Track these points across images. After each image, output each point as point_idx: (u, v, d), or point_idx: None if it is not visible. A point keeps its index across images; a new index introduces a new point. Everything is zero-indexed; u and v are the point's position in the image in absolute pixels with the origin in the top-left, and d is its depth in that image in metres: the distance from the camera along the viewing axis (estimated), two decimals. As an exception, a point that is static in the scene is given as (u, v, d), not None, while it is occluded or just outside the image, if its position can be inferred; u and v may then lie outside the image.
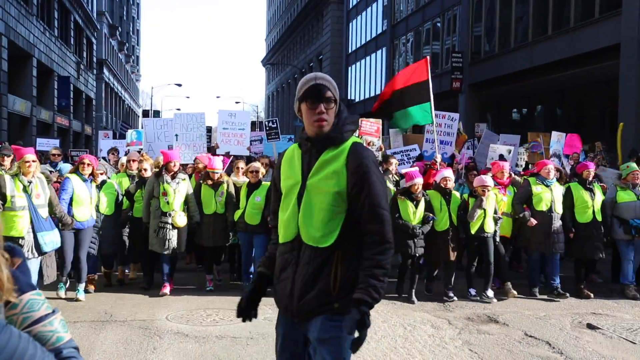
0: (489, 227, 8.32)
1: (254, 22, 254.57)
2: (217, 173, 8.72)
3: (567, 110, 23.25)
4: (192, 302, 7.89)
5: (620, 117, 16.94)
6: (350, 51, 45.40)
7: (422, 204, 8.17)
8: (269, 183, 8.17)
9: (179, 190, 8.32)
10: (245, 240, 8.61)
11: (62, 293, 7.96)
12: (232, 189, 8.88)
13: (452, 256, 8.25)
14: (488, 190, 8.25)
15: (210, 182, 8.73)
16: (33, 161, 6.82)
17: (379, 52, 39.61)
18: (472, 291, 8.36)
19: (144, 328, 6.59)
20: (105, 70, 51.41)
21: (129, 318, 6.99)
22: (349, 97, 44.40)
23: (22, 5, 27.30)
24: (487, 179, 8.33)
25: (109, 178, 9.20)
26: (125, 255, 9.29)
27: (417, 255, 8.16)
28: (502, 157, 11.17)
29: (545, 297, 8.47)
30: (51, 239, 6.84)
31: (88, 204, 7.91)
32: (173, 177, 8.32)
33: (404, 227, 8.04)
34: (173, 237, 8.26)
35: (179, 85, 60.51)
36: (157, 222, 8.26)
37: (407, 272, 8.35)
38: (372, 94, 40.36)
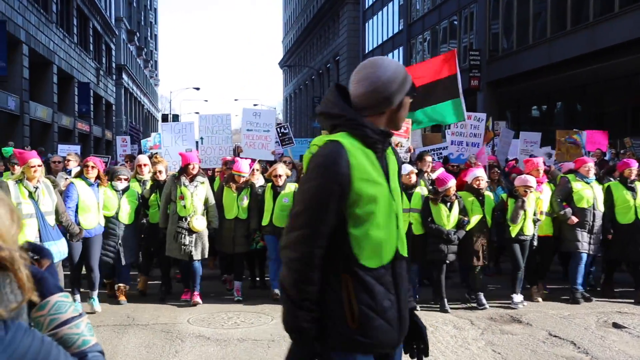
0: (529, 230, 7.91)
1: (271, 24, 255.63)
2: (242, 176, 8.34)
3: (587, 106, 22.96)
4: (213, 305, 7.89)
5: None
6: (367, 51, 45.30)
7: (456, 207, 7.73)
8: (295, 184, 8.08)
9: (196, 193, 7.85)
10: (273, 243, 8.19)
11: (97, 307, 7.49)
12: (255, 192, 8.52)
13: (482, 261, 7.90)
14: (530, 191, 7.79)
15: (234, 185, 8.34)
16: (39, 166, 6.48)
17: (395, 51, 39.48)
18: (517, 298, 7.80)
19: (165, 331, 6.62)
20: (124, 76, 51.89)
21: (151, 322, 7.02)
22: (366, 98, 44.19)
23: (42, 14, 27.66)
24: (530, 179, 7.84)
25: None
26: (145, 265, 8.91)
27: (448, 262, 7.77)
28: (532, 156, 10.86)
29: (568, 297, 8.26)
30: (58, 249, 6.41)
31: (95, 210, 7.41)
32: (191, 180, 7.89)
33: (438, 232, 7.63)
34: (191, 242, 7.79)
35: (197, 89, 61.05)
36: (175, 227, 7.84)
37: (438, 278, 7.75)
38: (390, 94, 40.16)
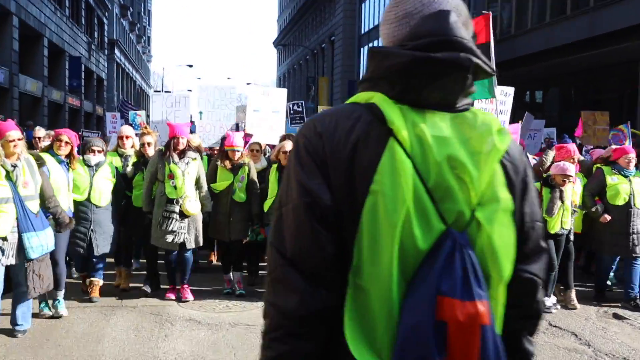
0: (567, 224, 7.04)
1: (266, 2, 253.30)
2: (237, 151, 7.27)
3: (584, 92, 22.78)
4: (204, 288, 7.65)
5: (641, 100, 16.53)
6: (363, 32, 44.81)
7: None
8: None
9: (188, 171, 6.78)
10: None
11: (63, 311, 6.25)
12: (254, 175, 7.41)
13: None
14: (569, 181, 6.97)
15: (228, 163, 7.25)
16: (18, 139, 5.29)
17: (392, 33, 39.00)
18: (548, 301, 6.99)
19: (155, 314, 6.42)
20: (116, 51, 51.17)
21: (140, 304, 6.81)
22: (360, 79, 43.82)
23: (32, -16, 27.06)
24: (570, 167, 6.94)
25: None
26: (126, 256, 7.55)
27: None
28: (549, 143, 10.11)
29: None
30: (40, 242, 5.28)
31: (65, 192, 6.12)
32: (181, 157, 6.80)
33: None
34: (181, 229, 6.74)
35: (190, 66, 60.22)
36: (162, 211, 6.72)
37: None
38: (385, 76, 39.85)
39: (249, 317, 6.40)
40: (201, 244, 7.18)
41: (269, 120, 9.20)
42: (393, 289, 1.33)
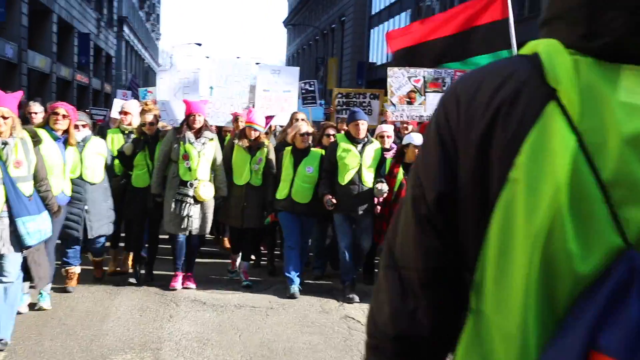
0: None
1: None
2: (256, 130, 6.77)
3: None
4: (209, 269, 7.58)
5: None
6: (373, 13, 44.37)
7: None
8: (320, 150, 6.78)
9: (204, 153, 6.40)
10: (290, 224, 6.70)
11: (46, 304, 5.67)
12: (272, 156, 6.89)
13: None
14: None
15: (246, 142, 6.74)
16: (3, 118, 4.64)
17: (403, 14, 38.62)
18: None
19: (160, 294, 6.38)
20: (125, 28, 50.92)
21: (145, 284, 6.76)
22: (370, 61, 43.59)
23: (41, -41, 26.87)
24: None
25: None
26: (127, 239, 7.19)
27: None
28: None
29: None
30: (37, 227, 4.76)
31: (60, 173, 5.58)
32: (198, 136, 6.43)
33: None
34: (195, 214, 6.41)
35: (199, 44, 59.96)
36: (174, 193, 6.38)
37: None
38: (395, 58, 39.56)
39: (254, 299, 6.35)
40: (208, 230, 6.94)
41: (280, 100, 8.57)
42: (526, 326, 0.88)
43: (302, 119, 7.50)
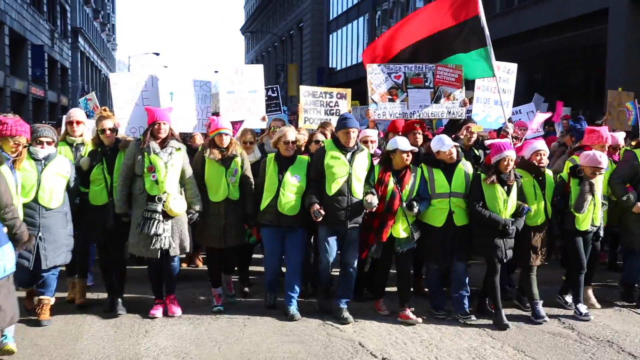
0: (598, 219, 6.28)
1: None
2: (226, 135, 6.12)
3: (550, 76, 23.01)
4: (182, 280, 7.11)
5: (608, 84, 16.74)
6: (331, 18, 44.57)
7: (514, 190, 5.96)
8: (307, 157, 6.25)
9: (172, 163, 5.82)
10: (273, 239, 6.14)
11: (11, 344, 4.95)
12: (248, 167, 6.32)
13: (538, 260, 6.16)
14: (600, 173, 6.19)
15: (218, 153, 6.10)
16: None
17: (360, 19, 38.90)
18: (583, 308, 6.23)
19: (134, 309, 6.21)
20: (80, 39, 50.02)
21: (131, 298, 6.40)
22: (330, 66, 43.73)
23: (-9, -29, 26.23)
24: (603, 158, 6.12)
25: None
26: (82, 265, 6.46)
27: (506, 259, 6.02)
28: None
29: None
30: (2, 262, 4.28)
31: (12, 195, 4.89)
32: (163, 146, 5.85)
33: (492, 222, 5.84)
34: (166, 231, 5.76)
35: (157, 54, 59.25)
36: (142, 211, 5.74)
37: (493, 283, 6.02)
38: (354, 62, 39.72)
39: (231, 310, 6.26)
40: (188, 249, 6.13)
41: (246, 101, 7.93)
42: None
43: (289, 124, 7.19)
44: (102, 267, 6.31)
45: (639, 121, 9.41)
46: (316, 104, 8.19)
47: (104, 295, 6.40)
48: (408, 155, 5.98)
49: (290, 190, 6.01)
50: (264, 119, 8.00)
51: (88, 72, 56.65)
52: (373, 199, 5.79)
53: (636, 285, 6.78)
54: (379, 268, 6.32)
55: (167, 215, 5.77)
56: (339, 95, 8.40)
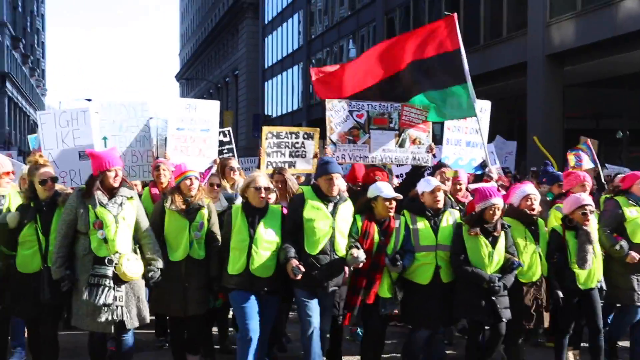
0: (599, 272, 5.58)
1: (167, 36, 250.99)
2: (195, 180, 5.27)
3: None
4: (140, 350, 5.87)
5: (530, 130, 17.74)
6: (266, 67, 45.35)
7: (502, 241, 5.19)
8: (279, 207, 5.32)
9: (123, 216, 4.79)
10: (247, 305, 4.99)
11: None
12: (215, 221, 5.41)
13: (532, 323, 5.36)
14: (591, 213, 5.49)
15: (181, 202, 5.19)
16: None
17: (295, 67, 39.78)
18: None
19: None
20: (8, 84, 48.82)
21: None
22: (265, 113, 44.27)
23: None
24: (585, 197, 5.57)
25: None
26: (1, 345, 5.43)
27: (501, 321, 5.16)
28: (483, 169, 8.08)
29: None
30: None
31: None
32: (112, 196, 4.82)
33: (476, 278, 5.09)
34: (118, 300, 4.69)
35: (89, 100, 58.35)
36: (87, 276, 4.67)
37: (472, 346, 5.40)
38: (290, 109, 40.48)
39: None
40: (147, 320, 5.01)
41: (197, 141, 7.13)
42: None
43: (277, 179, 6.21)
44: (33, 349, 5.17)
45: (596, 161, 9.15)
46: (280, 146, 7.23)
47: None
48: (391, 204, 5.18)
49: (263, 248, 5.00)
50: (216, 162, 7.11)
51: (16, 118, 55.16)
52: (359, 254, 4.93)
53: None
54: (366, 329, 5.52)
55: (119, 280, 4.70)
56: (305, 136, 7.46)
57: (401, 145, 6.83)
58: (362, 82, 7.26)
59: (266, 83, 45.42)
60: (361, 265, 4.99)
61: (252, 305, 5.00)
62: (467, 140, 7.90)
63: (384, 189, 5.26)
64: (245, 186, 5.19)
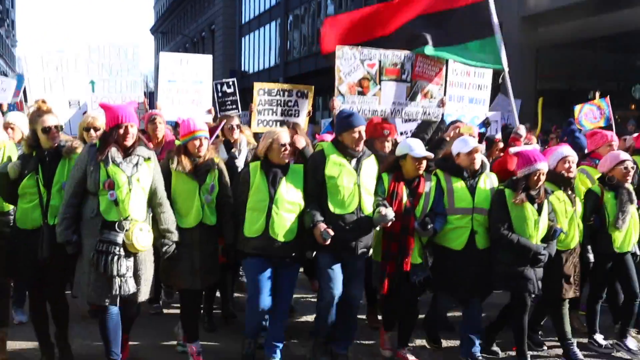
0: (636, 236, 5.31)
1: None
2: (205, 140, 4.76)
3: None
4: (158, 330, 5.54)
5: (502, 91, 18.08)
6: (243, 22, 44.84)
7: (545, 208, 4.87)
8: (300, 166, 4.86)
9: (139, 178, 4.28)
10: (262, 272, 4.63)
11: None
12: (226, 180, 4.89)
13: (572, 292, 5.08)
14: (632, 169, 5.23)
15: (189, 163, 4.65)
16: None
17: (272, 23, 39.45)
18: (600, 338, 5.43)
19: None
20: (-23, 34, 47.68)
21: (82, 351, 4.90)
22: (242, 69, 43.99)
23: None
24: (623, 153, 5.36)
25: None
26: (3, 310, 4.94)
27: (535, 292, 4.89)
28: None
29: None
30: None
31: None
32: (127, 154, 4.29)
33: (521, 248, 4.75)
34: (128, 271, 4.20)
35: (61, 51, 57.19)
36: (94, 241, 4.15)
37: (520, 323, 4.94)
38: (267, 66, 40.29)
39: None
40: (148, 295, 4.57)
41: (190, 92, 6.94)
42: None
43: (294, 124, 6.07)
44: (35, 316, 4.67)
45: (611, 119, 8.90)
46: (272, 104, 6.87)
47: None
48: (420, 163, 4.77)
49: (285, 209, 4.60)
50: (210, 111, 7.10)
51: (-14, 69, 54.01)
52: (388, 212, 4.54)
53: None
54: (398, 297, 5.01)
55: (127, 250, 4.20)
56: (299, 94, 7.05)
57: (412, 98, 6.27)
58: (378, 28, 6.70)
59: (243, 38, 44.99)
60: (389, 224, 4.60)
61: (267, 276, 4.63)
62: (470, 96, 7.43)
63: (414, 146, 4.81)
64: (267, 143, 4.70)
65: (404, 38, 6.48)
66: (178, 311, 5.13)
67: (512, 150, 5.24)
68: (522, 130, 6.79)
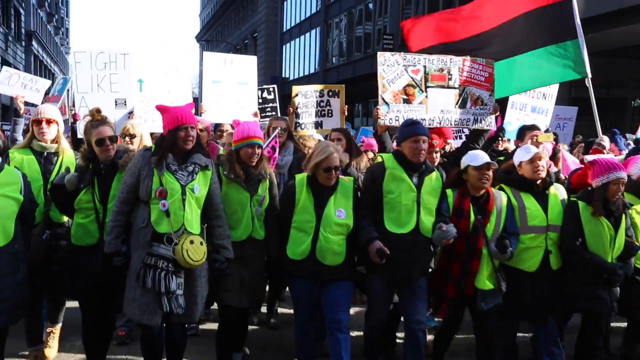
0: None
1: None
2: (256, 150, 4.35)
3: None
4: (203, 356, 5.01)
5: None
6: (285, 30, 45.78)
7: (623, 223, 4.44)
8: (350, 180, 4.57)
9: (193, 187, 4.00)
10: (308, 295, 4.36)
11: None
12: (276, 193, 4.65)
13: None
14: None
15: (242, 172, 4.36)
16: None
17: (313, 31, 40.23)
18: None
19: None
20: (34, 43, 49.91)
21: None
22: (283, 76, 44.89)
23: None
24: None
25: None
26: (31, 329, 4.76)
27: (610, 315, 4.60)
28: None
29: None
30: None
31: None
32: (183, 161, 4.03)
33: (596, 267, 4.36)
34: (178, 289, 3.90)
35: (110, 50, 59.13)
36: (143, 253, 3.89)
37: (593, 346, 4.54)
38: (307, 72, 41.11)
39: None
40: (200, 314, 4.34)
41: (235, 93, 6.72)
42: None
43: (335, 138, 5.53)
44: (88, 340, 4.39)
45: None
46: (307, 106, 6.63)
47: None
48: (483, 173, 4.33)
49: (332, 232, 4.28)
50: (256, 114, 6.80)
51: (41, 75, 56.21)
52: (449, 227, 4.17)
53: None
54: (446, 328, 4.75)
55: (177, 265, 3.89)
56: (330, 93, 6.78)
57: (461, 105, 5.82)
58: (457, 32, 6.54)
59: (284, 46, 45.92)
60: (451, 241, 4.19)
61: (314, 300, 4.37)
62: (533, 105, 7.09)
63: (474, 156, 4.45)
64: (314, 164, 4.34)
65: (480, 46, 6.28)
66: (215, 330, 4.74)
67: (587, 157, 4.84)
68: (605, 141, 6.33)
